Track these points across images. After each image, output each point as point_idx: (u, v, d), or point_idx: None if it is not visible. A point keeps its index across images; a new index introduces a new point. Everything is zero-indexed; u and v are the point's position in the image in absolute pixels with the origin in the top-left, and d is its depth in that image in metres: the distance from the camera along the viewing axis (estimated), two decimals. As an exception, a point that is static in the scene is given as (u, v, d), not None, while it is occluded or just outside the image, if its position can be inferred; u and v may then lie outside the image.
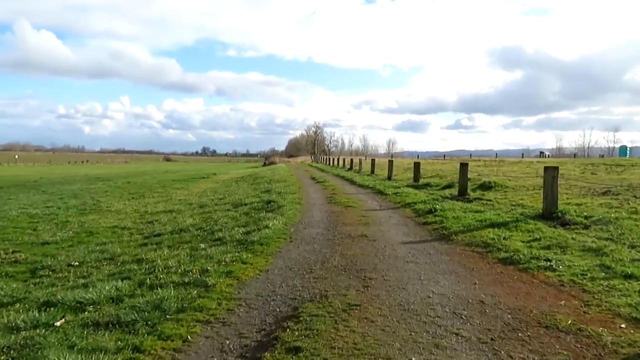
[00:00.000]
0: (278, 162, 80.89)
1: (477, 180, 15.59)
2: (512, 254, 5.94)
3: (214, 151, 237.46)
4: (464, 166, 12.79)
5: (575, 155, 67.63)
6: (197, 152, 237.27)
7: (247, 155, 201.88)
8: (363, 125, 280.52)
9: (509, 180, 15.34)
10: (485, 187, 14.12)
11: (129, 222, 12.69)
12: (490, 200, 11.65)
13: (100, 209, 16.27)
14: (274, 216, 10.10)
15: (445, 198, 12.51)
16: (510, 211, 9.68)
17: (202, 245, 7.88)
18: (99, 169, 70.53)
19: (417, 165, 17.87)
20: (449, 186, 15.63)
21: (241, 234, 8.23)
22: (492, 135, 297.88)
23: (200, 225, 10.68)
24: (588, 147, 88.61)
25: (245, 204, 13.57)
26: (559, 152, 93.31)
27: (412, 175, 22.14)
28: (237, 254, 6.56)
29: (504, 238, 6.82)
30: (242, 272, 5.53)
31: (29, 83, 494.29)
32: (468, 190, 12.88)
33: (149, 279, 5.57)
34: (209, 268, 5.73)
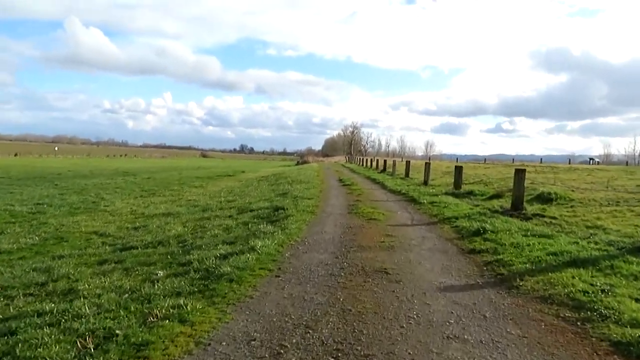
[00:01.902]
0: (311, 161, 78.96)
1: (532, 190, 12.86)
2: (632, 331, 3.44)
3: (252, 149, 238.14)
4: (520, 173, 10.15)
5: (627, 163, 62.53)
6: (235, 150, 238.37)
7: (284, 153, 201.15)
8: (401, 126, 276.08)
9: (572, 191, 12.55)
10: (544, 199, 11.43)
11: (113, 228, 10.81)
12: (555, 219, 9.02)
13: (95, 209, 14.54)
14: (273, 230, 7.87)
15: (495, 212, 9.94)
16: (589, 237, 7.07)
17: (160, 273, 5.76)
18: (133, 162, 70.51)
19: (458, 170, 15.23)
20: (498, 196, 12.98)
21: (217, 258, 6.04)
22: (533, 140, 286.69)
23: (184, 237, 8.60)
24: (639, 154, 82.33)
25: (252, 210, 11.45)
26: (606, 159, 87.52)
27: (452, 181, 19.48)
28: (186, 297, 4.35)
29: (604, 291, 4.31)
30: (164, 345, 3.30)
31: (78, 78, 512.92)
32: (524, 203, 10.25)
33: (24, 345, 3.42)
34: (117, 332, 3.52)
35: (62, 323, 4.04)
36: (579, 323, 3.68)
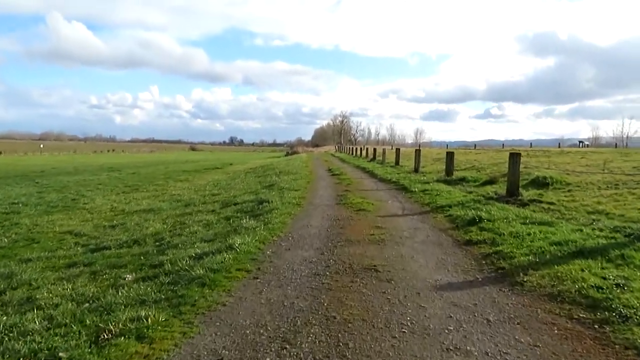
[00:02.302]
0: (301, 151, 78.42)
1: (526, 174, 12.44)
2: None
3: (242, 141, 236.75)
4: (515, 157, 9.69)
5: (616, 146, 62.53)
6: (224, 142, 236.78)
7: (273, 145, 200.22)
8: (390, 114, 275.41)
9: (568, 174, 12.15)
10: (540, 184, 11.01)
11: (89, 226, 10.24)
12: (553, 204, 8.59)
13: (74, 207, 13.91)
14: (255, 225, 7.36)
15: (490, 199, 9.49)
16: (592, 224, 6.62)
17: (128, 277, 5.25)
18: (120, 158, 69.45)
19: (449, 156, 14.76)
20: (491, 182, 12.55)
21: (192, 258, 5.52)
22: (522, 125, 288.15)
23: (162, 235, 8.07)
24: (627, 136, 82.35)
25: (236, 204, 10.92)
26: (595, 142, 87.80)
27: (443, 168, 19.05)
28: (151, 307, 3.83)
29: (619, 286, 3.84)
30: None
31: (62, 73, 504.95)
32: (519, 188, 9.81)
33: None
34: (62, 354, 3.00)
35: (4, 342, 3.51)
36: (596, 326, 3.22)
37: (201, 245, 6.43)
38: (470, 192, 11.08)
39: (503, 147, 55.94)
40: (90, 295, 4.69)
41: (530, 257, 4.89)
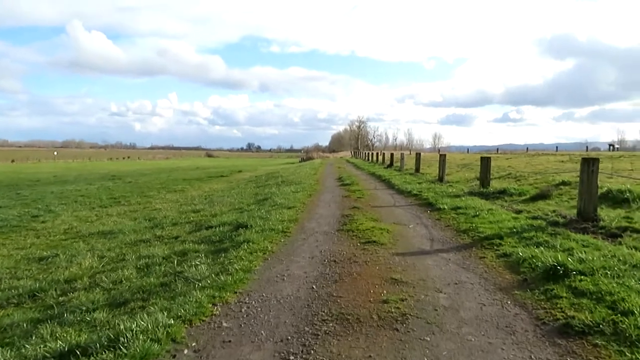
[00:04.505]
0: (316, 157, 75.90)
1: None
2: None
3: (259, 147, 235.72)
4: (590, 165, 6.79)
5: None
6: (242, 148, 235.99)
7: (290, 150, 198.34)
8: (407, 119, 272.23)
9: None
10: (617, 200, 8.14)
11: (9, 261, 7.75)
12: (657, 235, 5.73)
13: (25, 226, 11.56)
14: (204, 273, 4.71)
15: (555, 225, 6.67)
16: None
17: None
18: (130, 165, 67.79)
19: (485, 162, 11.83)
20: (543, 196, 9.67)
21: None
22: (542, 128, 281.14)
23: (76, 283, 5.52)
24: (654, 139, 77.97)
25: (210, 227, 8.42)
26: (622, 145, 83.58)
27: (472, 176, 16.17)
28: None
29: None
30: None
31: (84, 82, 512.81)
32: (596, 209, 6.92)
33: None
34: None
35: None
36: None
37: (96, 317, 3.81)
38: (520, 212, 8.24)
39: (527, 151, 52.54)
40: None
41: None
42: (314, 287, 4.30)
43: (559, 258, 4.50)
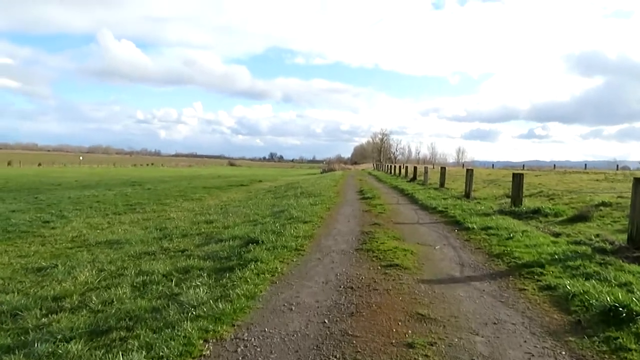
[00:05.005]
0: (337, 169, 75.38)
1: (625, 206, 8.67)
2: None
3: (281, 157, 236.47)
4: (643, 185, 6.02)
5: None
6: (264, 158, 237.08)
7: (312, 161, 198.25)
8: (430, 133, 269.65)
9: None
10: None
11: (6, 271, 7.32)
12: None
13: (34, 232, 11.25)
14: (201, 299, 4.14)
15: (603, 252, 5.90)
16: None
17: None
18: (153, 172, 68.35)
19: (518, 179, 11.02)
20: (583, 218, 8.85)
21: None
22: (568, 146, 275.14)
23: (64, 301, 4.99)
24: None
25: (220, 241, 7.88)
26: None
27: (500, 193, 15.33)
28: None
29: None
30: None
31: (112, 90, 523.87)
32: (647, 234, 6.12)
33: None
34: None
35: None
36: None
37: (70, 350, 3.26)
38: (559, 236, 7.46)
39: (554, 168, 50.92)
40: None
41: None
42: (326, 321, 3.67)
43: (619, 296, 3.78)
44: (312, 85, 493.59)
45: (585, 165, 64.94)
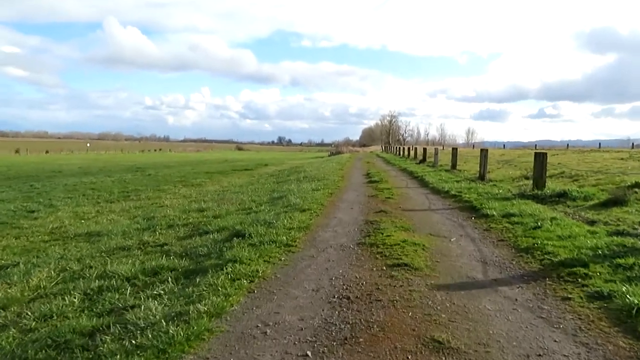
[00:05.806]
0: (345, 151, 74.26)
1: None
2: None
3: (290, 141, 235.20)
4: None
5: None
6: (273, 142, 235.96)
7: (321, 144, 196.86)
8: (439, 114, 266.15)
9: None
10: None
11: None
12: None
13: (13, 224, 10.42)
14: (153, 319, 3.18)
15: (655, 245, 4.87)
16: None
17: None
18: (159, 157, 67.78)
19: (540, 159, 9.91)
20: (617, 202, 7.77)
21: None
22: (579, 125, 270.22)
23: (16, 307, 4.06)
24: None
25: (205, 233, 7.02)
26: (669, 143, 78.18)
27: (517, 174, 14.22)
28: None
29: None
30: None
31: (119, 76, 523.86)
32: None
33: None
34: None
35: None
36: None
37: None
38: (594, 223, 6.42)
39: (567, 148, 49.34)
40: None
41: None
42: (309, 354, 2.71)
43: None
44: (320, 69, 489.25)
45: (600, 144, 63.10)
